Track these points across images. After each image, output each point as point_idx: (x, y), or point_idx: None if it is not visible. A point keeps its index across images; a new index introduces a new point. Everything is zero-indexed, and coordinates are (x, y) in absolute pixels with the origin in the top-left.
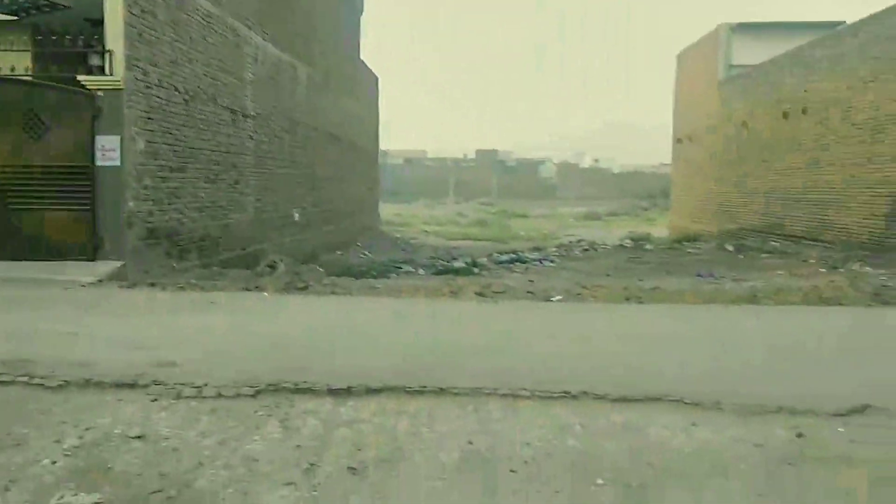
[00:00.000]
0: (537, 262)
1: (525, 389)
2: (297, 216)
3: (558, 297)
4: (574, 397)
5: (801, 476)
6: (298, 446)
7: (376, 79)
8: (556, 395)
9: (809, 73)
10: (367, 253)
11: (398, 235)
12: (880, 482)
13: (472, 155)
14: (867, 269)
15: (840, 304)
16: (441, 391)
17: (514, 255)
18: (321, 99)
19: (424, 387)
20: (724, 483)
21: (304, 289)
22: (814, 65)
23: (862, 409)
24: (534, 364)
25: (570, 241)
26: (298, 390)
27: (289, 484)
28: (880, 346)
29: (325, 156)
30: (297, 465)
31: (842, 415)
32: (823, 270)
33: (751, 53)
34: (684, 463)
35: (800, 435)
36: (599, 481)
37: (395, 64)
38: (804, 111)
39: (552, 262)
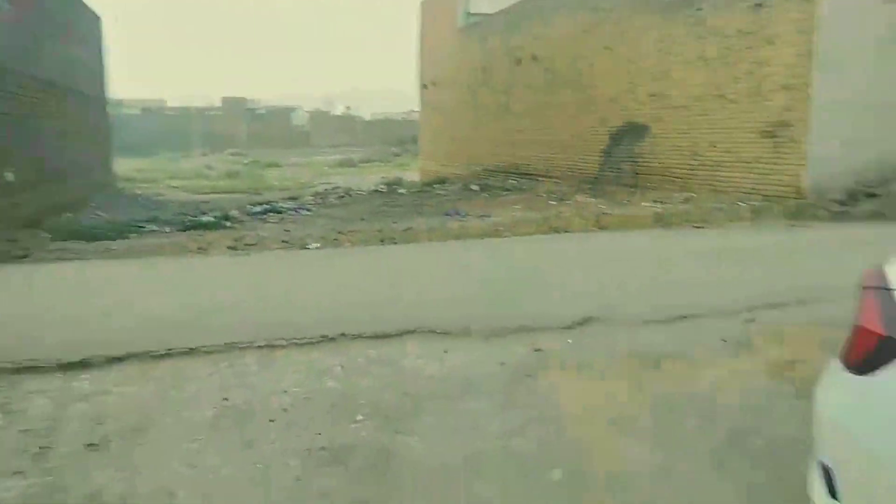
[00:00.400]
0: (293, 212)
1: (283, 339)
2: (11, 176)
3: (315, 245)
4: (332, 340)
5: (538, 385)
6: (25, 431)
7: (98, 19)
8: (314, 340)
9: (538, 23)
10: (101, 213)
11: (139, 192)
12: (602, 379)
13: (218, 104)
14: (590, 199)
15: (567, 231)
16: (191, 351)
17: (268, 206)
18: (32, 42)
19: (171, 349)
20: (474, 401)
21: (24, 257)
22: (542, 14)
23: (585, 322)
24: (291, 313)
25: (326, 189)
26: (21, 370)
27: (16, 473)
28: (598, 265)
29: (42, 107)
30: (24, 451)
31: (570, 328)
32: (554, 203)
33: (489, 2)
34: (438, 388)
35: (537, 350)
36: (359, 417)
37: (124, 5)
38: (534, 58)
39: (308, 210)
